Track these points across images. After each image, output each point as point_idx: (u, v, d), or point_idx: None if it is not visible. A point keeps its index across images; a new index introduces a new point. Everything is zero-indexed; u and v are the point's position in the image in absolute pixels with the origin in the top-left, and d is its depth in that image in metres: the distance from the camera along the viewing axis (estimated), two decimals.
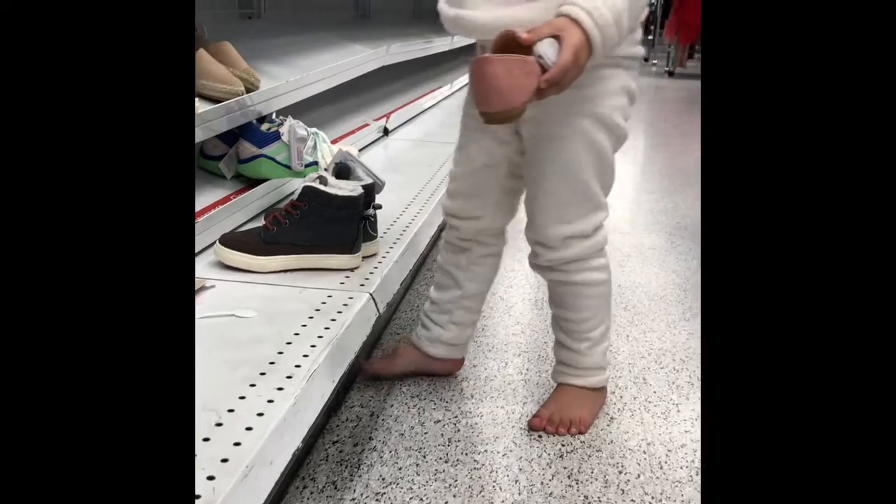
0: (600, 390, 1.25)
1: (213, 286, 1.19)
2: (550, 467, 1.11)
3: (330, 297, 1.19)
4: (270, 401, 0.88)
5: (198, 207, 1.40)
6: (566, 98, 0.95)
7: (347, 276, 1.28)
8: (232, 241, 1.27)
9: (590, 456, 1.14)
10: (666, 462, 1.13)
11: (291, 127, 1.57)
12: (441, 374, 1.33)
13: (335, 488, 1.05)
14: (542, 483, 1.07)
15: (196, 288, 1.15)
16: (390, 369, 1.32)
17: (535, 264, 1.18)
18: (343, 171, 1.39)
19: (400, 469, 1.09)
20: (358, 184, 1.32)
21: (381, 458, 1.12)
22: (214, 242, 1.29)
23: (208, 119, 1.33)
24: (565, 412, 1.21)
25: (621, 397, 1.31)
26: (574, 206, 1.10)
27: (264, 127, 1.57)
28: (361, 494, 1.03)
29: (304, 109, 1.93)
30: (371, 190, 1.35)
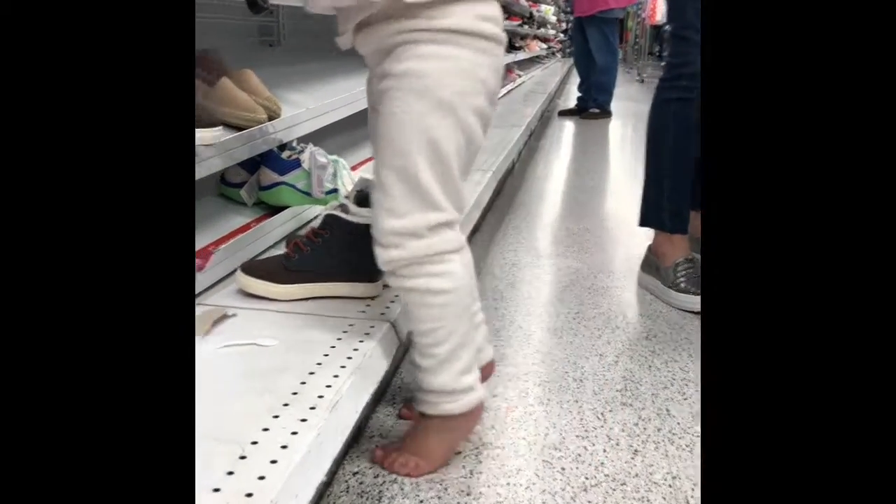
0: (457, 420, 1.12)
1: (234, 315, 1.18)
2: (574, 501, 1.09)
3: (352, 325, 1.18)
4: (294, 432, 0.87)
5: (219, 235, 1.41)
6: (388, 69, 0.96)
7: (368, 305, 1.27)
8: (253, 268, 1.27)
9: (614, 490, 1.12)
10: (692, 496, 1.11)
11: (312, 154, 1.57)
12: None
13: None
14: None
15: (217, 317, 1.15)
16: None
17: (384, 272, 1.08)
18: (364, 198, 1.38)
19: (421, 502, 1.07)
20: None
21: (402, 490, 1.10)
22: (236, 270, 1.29)
23: (230, 147, 1.33)
24: (405, 452, 1.14)
25: (645, 429, 1.29)
26: (403, 198, 1.00)
27: (285, 154, 1.58)
28: None
29: (323, 136, 1.94)
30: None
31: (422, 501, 1.08)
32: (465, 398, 1.10)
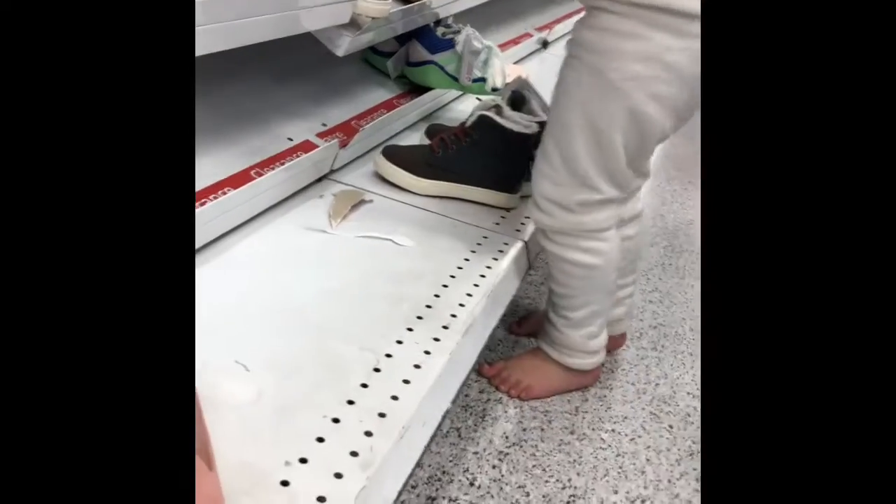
0: (575, 373, 1.13)
1: (371, 201, 1.15)
2: (679, 465, 1.06)
3: (485, 238, 1.14)
4: (427, 352, 0.85)
5: (361, 108, 1.36)
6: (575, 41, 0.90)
7: (503, 217, 1.22)
8: (395, 155, 1.22)
9: None
10: None
11: (468, 37, 1.47)
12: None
13: (459, 436, 1.03)
14: (668, 481, 1.03)
15: (356, 202, 1.12)
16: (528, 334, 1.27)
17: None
18: (518, 101, 1.30)
19: (525, 430, 1.07)
20: (533, 119, 1.24)
21: (505, 412, 1.09)
22: (376, 151, 1.25)
23: (393, 20, 1.25)
24: (519, 373, 1.14)
25: None
26: (559, 168, 0.97)
27: (439, 31, 1.49)
28: (485, 450, 1.02)
29: (468, 15, 1.83)
30: (544, 127, 1.26)
31: (525, 429, 1.07)
32: (587, 360, 1.12)
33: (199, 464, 0.54)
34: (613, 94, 0.89)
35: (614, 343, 1.25)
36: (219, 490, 0.55)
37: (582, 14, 0.94)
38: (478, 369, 1.15)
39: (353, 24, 1.11)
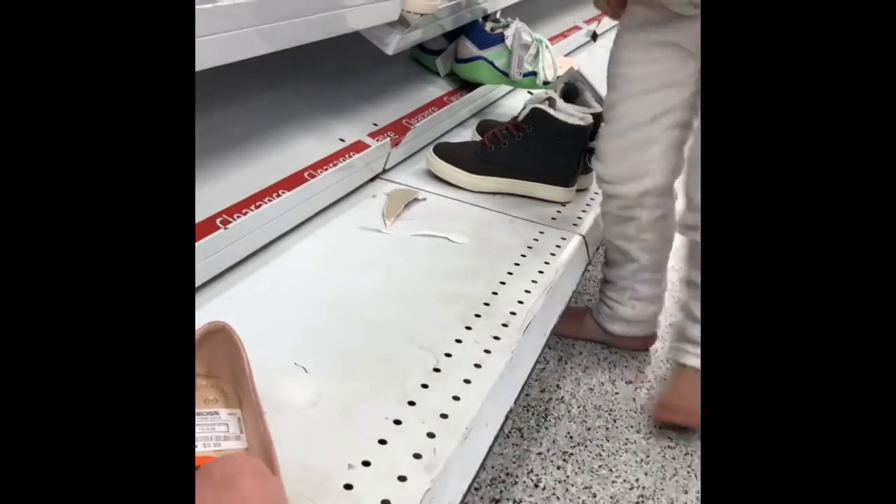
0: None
1: (424, 199, 1.14)
2: None
3: (542, 233, 1.11)
4: (487, 351, 0.83)
5: (411, 107, 1.34)
6: None
7: (559, 211, 1.19)
8: (446, 153, 1.21)
9: None
10: None
11: (517, 31, 1.45)
12: (632, 349, 1.24)
13: (521, 437, 1.01)
14: None
15: (409, 200, 1.11)
16: (576, 335, 1.25)
17: (683, 224, 1.06)
18: (571, 92, 1.28)
19: (589, 430, 1.04)
20: (587, 111, 1.21)
21: (569, 412, 1.07)
22: (427, 149, 1.24)
23: (441, 17, 1.24)
24: (687, 399, 1.02)
25: None
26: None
27: (488, 27, 1.47)
28: (548, 450, 1.00)
29: (517, 6, 1.80)
30: (599, 119, 1.23)
31: (589, 428, 1.04)
32: None
33: (263, 468, 0.53)
34: None
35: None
36: (283, 494, 0.54)
37: None
38: (653, 416, 1.06)
39: (402, 22, 1.10)
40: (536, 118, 1.18)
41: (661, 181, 1.07)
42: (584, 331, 1.24)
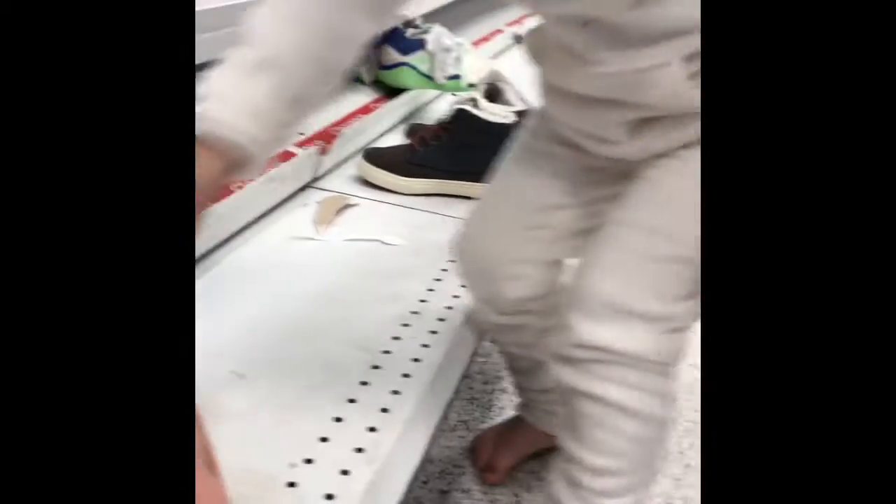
0: None
1: (357, 204, 1.15)
2: (686, 437, 1.06)
3: None
4: (425, 345, 0.85)
5: (339, 115, 1.36)
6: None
7: None
8: (377, 157, 1.22)
9: None
10: None
11: (438, 36, 1.48)
12: None
13: (467, 429, 1.03)
14: (679, 452, 1.03)
15: (340, 206, 1.12)
16: (521, 456, 0.99)
17: (556, 355, 0.67)
18: (493, 92, 1.31)
19: None
20: (510, 109, 1.24)
21: (511, 401, 1.09)
22: (356, 156, 1.25)
23: None
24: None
25: None
26: (666, 273, 0.65)
27: (409, 32, 1.49)
28: None
29: (439, 13, 1.83)
30: (523, 117, 1.26)
31: None
32: None
33: (202, 469, 0.54)
34: None
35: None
36: (223, 492, 0.55)
37: None
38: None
39: None
40: (461, 119, 1.20)
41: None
42: (527, 446, 0.99)
